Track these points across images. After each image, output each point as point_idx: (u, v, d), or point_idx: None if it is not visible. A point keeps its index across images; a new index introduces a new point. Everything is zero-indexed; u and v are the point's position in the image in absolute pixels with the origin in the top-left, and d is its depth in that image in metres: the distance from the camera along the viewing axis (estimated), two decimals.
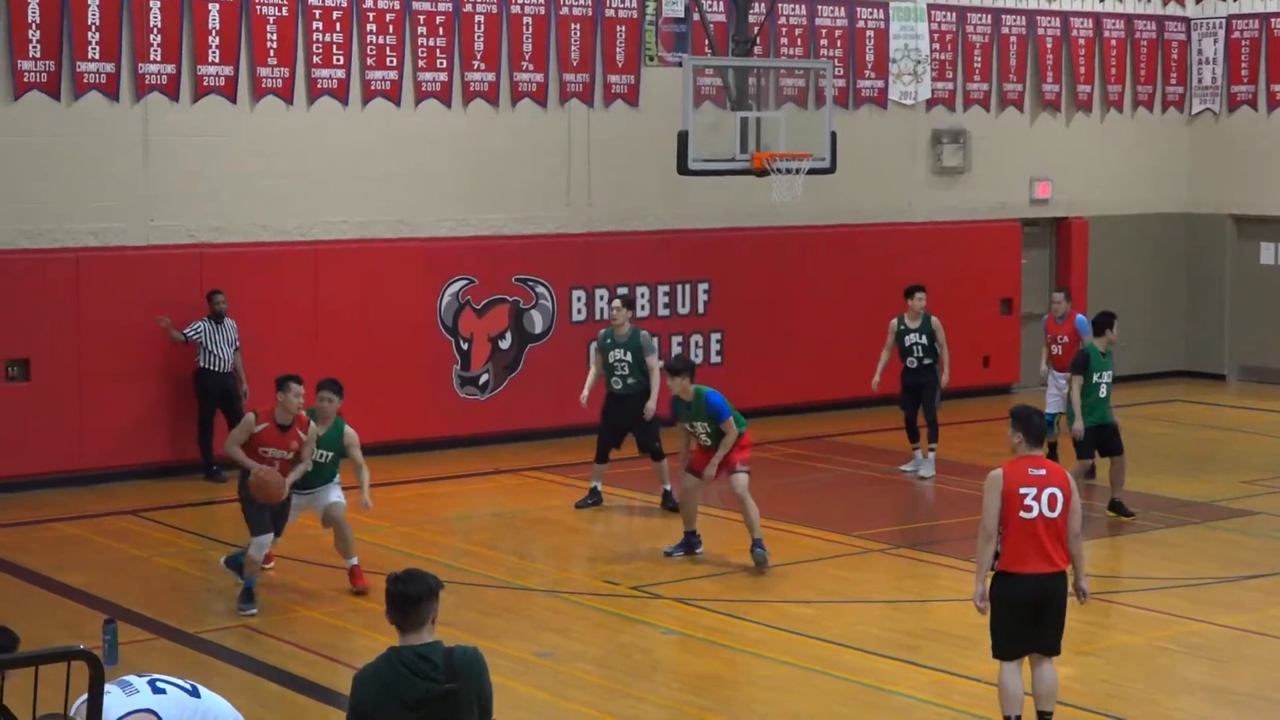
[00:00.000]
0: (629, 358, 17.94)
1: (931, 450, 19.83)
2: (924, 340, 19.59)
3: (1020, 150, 26.27)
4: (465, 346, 21.59)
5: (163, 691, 7.84)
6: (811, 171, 20.29)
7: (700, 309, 23.23)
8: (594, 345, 18.57)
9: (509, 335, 21.91)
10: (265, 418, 14.13)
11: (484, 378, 21.74)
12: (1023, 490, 10.52)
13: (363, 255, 20.91)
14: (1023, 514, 10.51)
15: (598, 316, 22.39)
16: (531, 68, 21.95)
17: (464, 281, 21.53)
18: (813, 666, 12.89)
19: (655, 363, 18.00)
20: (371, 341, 20.83)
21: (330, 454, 14.67)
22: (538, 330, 22.11)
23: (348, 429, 14.76)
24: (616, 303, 18.51)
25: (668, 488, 18.07)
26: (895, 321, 19.74)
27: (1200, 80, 27.86)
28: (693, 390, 15.64)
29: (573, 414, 22.05)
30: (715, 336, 23.21)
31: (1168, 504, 18.18)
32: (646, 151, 22.06)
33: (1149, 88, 27.53)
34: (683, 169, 19.65)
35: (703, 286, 23.20)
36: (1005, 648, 10.72)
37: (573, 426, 22.06)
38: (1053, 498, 10.55)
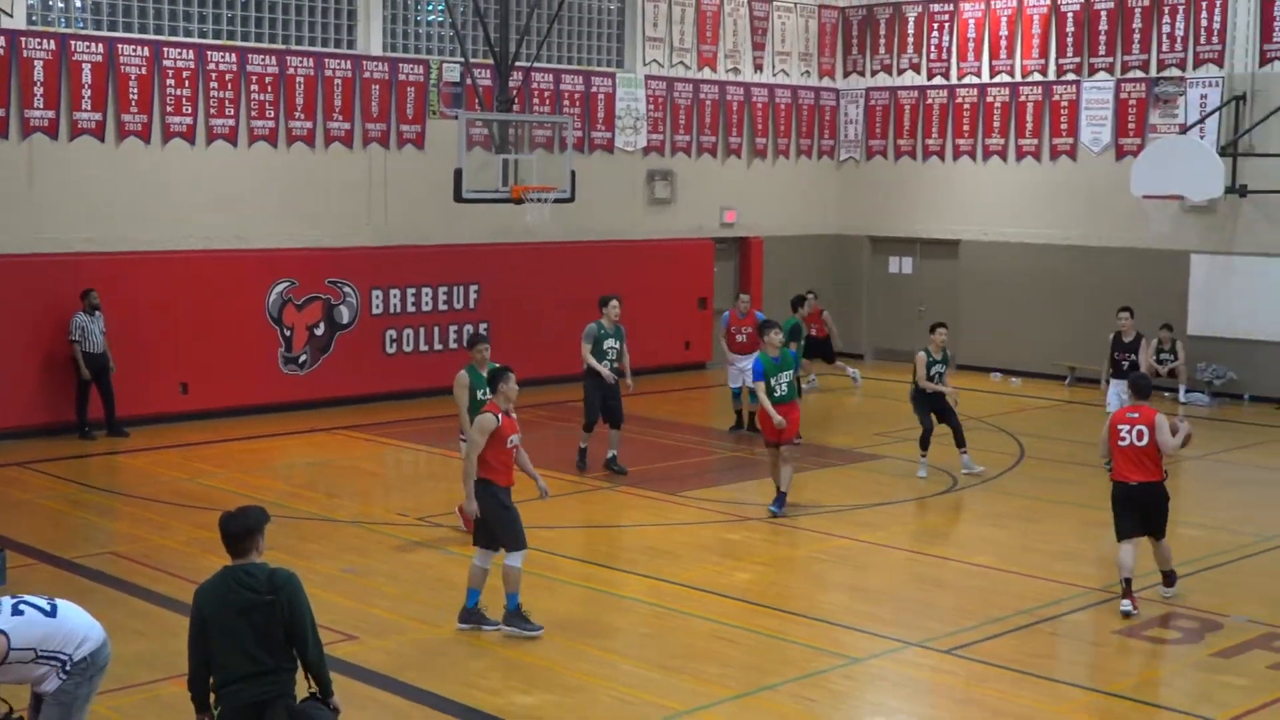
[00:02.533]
0: (618, 345, 17.25)
1: (965, 452, 17.51)
2: (943, 369, 17.37)
3: (713, 186, 26.51)
4: (288, 334, 21.17)
5: (21, 613, 7.40)
6: (557, 200, 20.34)
7: (472, 305, 23.05)
8: (587, 335, 17.10)
9: (323, 325, 21.52)
10: (495, 410, 11.21)
11: (303, 358, 21.34)
12: (1120, 427, 11.94)
13: (207, 262, 20.39)
14: (1120, 443, 11.93)
15: (392, 310, 22.13)
16: (341, 118, 21.57)
17: (287, 283, 21.10)
18: (557, 576, 12.86)
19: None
20: (214, 329, 20.35)
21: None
22: (345, 321, 21.75)
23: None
24: (615, 302, 17.29)
25: (614, 454, 17.22)
26: (923, 354, 17.20)
27: (846, 136, 28.37)
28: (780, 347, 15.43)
29: (372, 385, 21.89)
30: (483, 326, 23.02)
31: (822, 450, 18.45)
32: (430, 184, 21.83)
33: (808, 140, 27.97)
34: (458, 198, 19.52)
35: (473, 288, 23.03)
36: (1119, 530, 12.05)
37: (372, 395, 21.85)
38: (1140, 432, 11.86)
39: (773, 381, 15.33)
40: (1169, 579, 12.27)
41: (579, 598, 12.17)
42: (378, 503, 16.12)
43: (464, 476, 11.14)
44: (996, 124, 26.06)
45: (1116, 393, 18.15)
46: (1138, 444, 11.88)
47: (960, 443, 17.46)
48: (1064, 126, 25.21)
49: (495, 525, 11.13)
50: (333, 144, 21.55)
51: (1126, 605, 11.77)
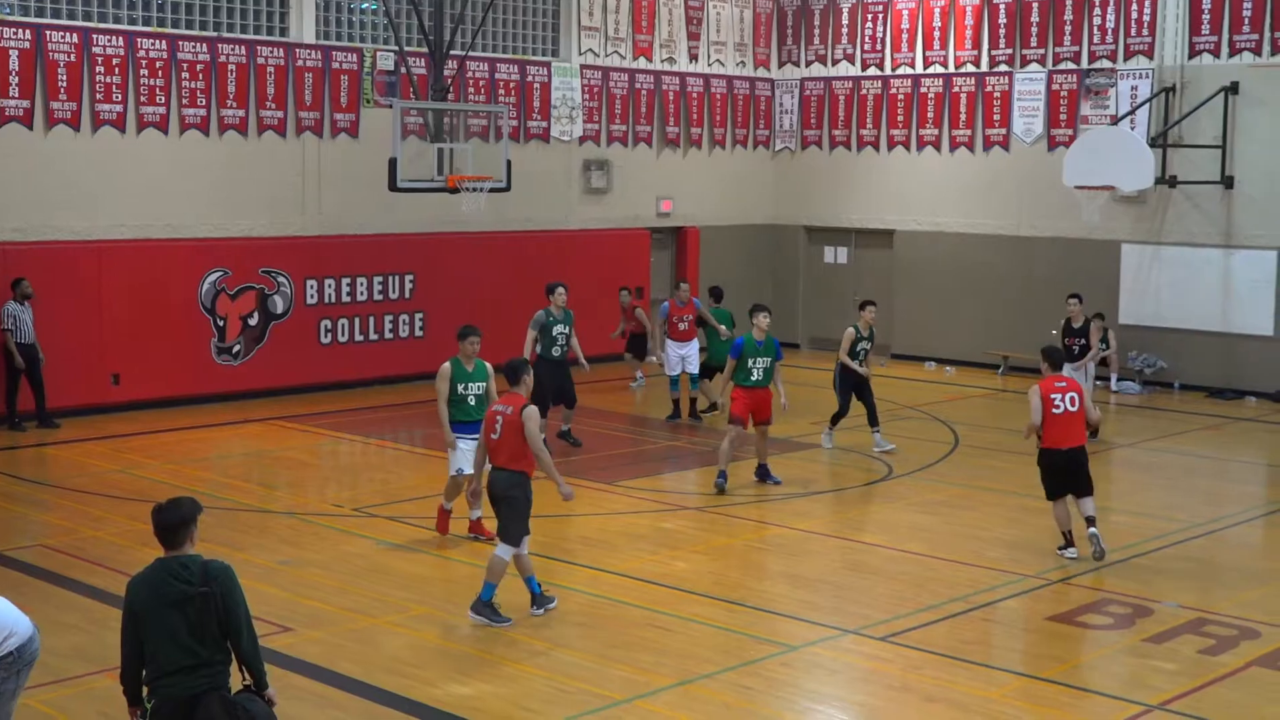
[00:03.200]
0: (567, 330, 17.46)
1: (878, 431, 18.07)
2: (869, 347, 17.97)
3: (649, 176, 26.52)
4: (221, 324, 20.99)
5: None
6: (492, 190, 20.30)
7: (407, 295, 22.94)
8: (535, 322, 17.29)
9: (256, 315, 21.35)
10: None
11: (236, 348, 21.17)
12: (1053, 396, 12.74)
13: (139, 252, 20.17)
14: (1054, 410, 12.71)
15: (327, 300, 21.98)
16: (274, 106, 21.39)
17: (220, 272, 20.92)
18: None
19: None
20: (145, 319, 20.15)
21: (484, 387, 13.19)
22: (279, 311, 21.59)
23: (488, 365, 13.37)
24: (561, 289, 17.51)
25: (568, 428, 18.02)
26: (853, 330, 17.80)
27: (781, 126, 28.46)
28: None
29: (307, 375, 21.74)
30: (418, 316, 22.97)
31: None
32: (365, 173, 21.71)
33: (744, 130, 28.03)
34: (393, 187, 19.43)
35: (409, 278, 22.91)
36: (1052, 492, 13.07)
37: (307, 385, 21.70)
38: (1072, 399, 12.78)
39: (750, 363, 15.74)
40: (1092, 521, 13.02)
41: (516, 588, 12.13)
42: (313, 494, 16.01)
43: (548, 469, 11.14)
44: (930, 114, 26.22)
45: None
46: (1071, 410, 12.81)
47: (873, 422, 18.04)
48: (997, 117, 25.40)
49: (513, 513, 11.17)
50: (265, 132, 21.38)
51: (1073, 553, 13.04)
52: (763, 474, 16.14)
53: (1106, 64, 24.08)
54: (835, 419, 18.17)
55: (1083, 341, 19.32)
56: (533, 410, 11.11)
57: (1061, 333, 19.59)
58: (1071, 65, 24.49)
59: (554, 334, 17.41)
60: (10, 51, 18.90)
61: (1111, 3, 23.98)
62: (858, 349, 17.90)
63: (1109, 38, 24.03)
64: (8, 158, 19.07)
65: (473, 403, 13.18)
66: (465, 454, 13.16)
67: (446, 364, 13.34)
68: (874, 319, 18.16)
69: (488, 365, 13.41)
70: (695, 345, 20.14)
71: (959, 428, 19.85)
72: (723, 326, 20.18)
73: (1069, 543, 13.10)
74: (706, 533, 14.26)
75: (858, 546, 13.80)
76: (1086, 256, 24.16)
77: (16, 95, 19.00)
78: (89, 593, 11.82)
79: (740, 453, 16.75)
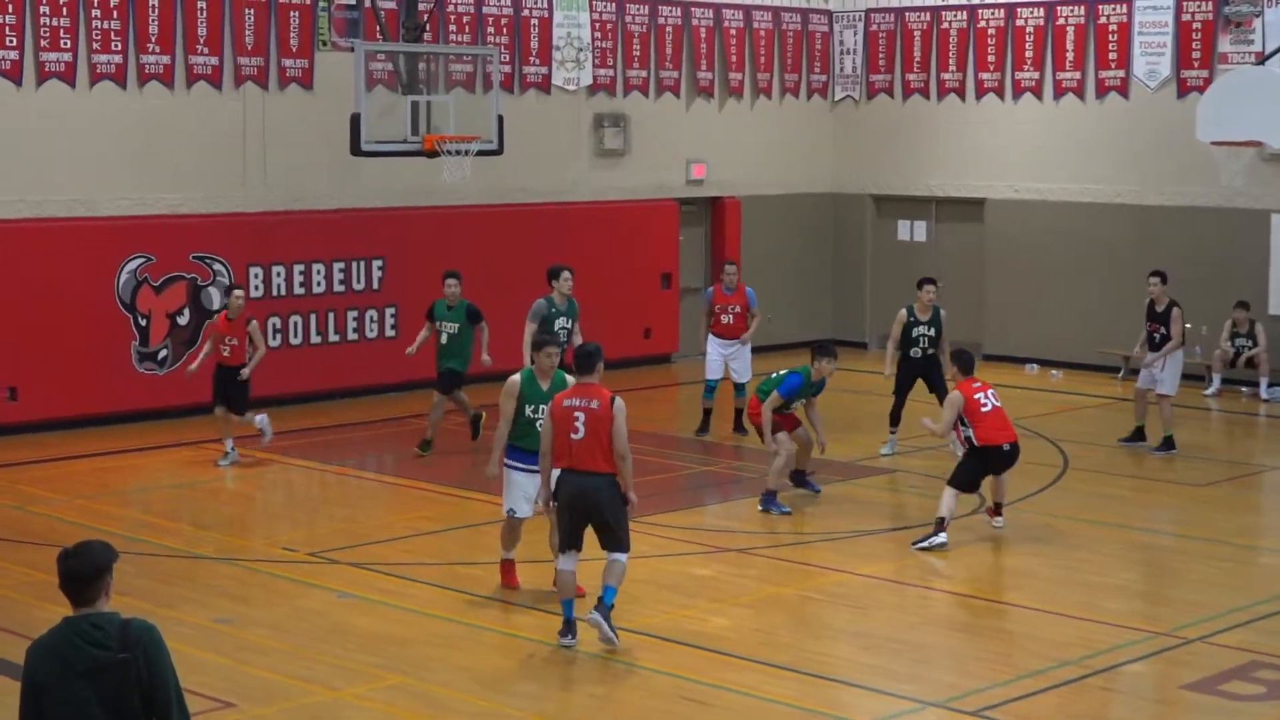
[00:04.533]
0: (569, 324, 18.09)
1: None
2: (931, 333, 18.87)
3: (677, 134, 26.54)
4: (143, 323, 21.07)
5: None
6: (480, 153, 20.37)
7: (375, 285, 23.00)
8: (534, 313, 17.96)
9: (187, 311, 21.44)
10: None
11: (162, 353, 21.25)
12: (977, 396, 14.98)
13: (39, 234, 20.24)
14: (983, 409, 14.92)
15: (275, 293, 22.05)
16: (206, 51, 21.47)
17: (142, 259, 20.99)
18: (480, 624, 12.86)
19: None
20: (48, 318, 20.19)
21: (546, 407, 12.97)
22: (215, 306, 21.63)
23: (570, 379, 12.89)
24: (566, 274, 18.20)
25: None
26: (904, 312, 18.97)
27: (842, 69, 28.46)
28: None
29: (252, 386, 21.74)
30: (390, 312, 23.02)
31: (815, 463, 18.39)
32: (321, 133, 21.79)
33: (795, 76, 28.03)
34: (356, 150, 19.52)
35: (377, 264, 22.98)
36: (966, 484, 15.29)
37: (251, 398, 21.72)
38: (994, 394, 15.14)
39: (792, 405, 16.60)
40: (999, 509, 15.52)
41: (516, 650, 12.15)
42: (258, 535, 16.05)
43: (628, 475, 12.04)
44: (1029, 53, 26.17)
45: (1151, 372, 19.51)
46: (997, 404, 15.07)
47: None
48: (1113, 56, 25.35)
49: (623, 517, 12.06)
50: (197, 83, 21.45)
51: (934, 543, 14.81)
52: (798, 479, 16.93)
53: None
54: (893, 417, 19.18)
55: (1164, 329, 19.34)
56: (623, 404, 11.96)
57: (1145, 318, 19.70)
58: None
59: (555, 328, 17.75)
60: None
61: None
62: (914, 335, 18.74)
63: None
64: None
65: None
66: (525, 490, 13.07)
67: (516, 377, 13.09)
68: (934, 298, 18.91)
69: (570, 379, 13.00)
70: (746, 347, 20.10)
71: (1068, 446, 19.80)
72: (454, 324, 19.42)
73: (939, 530, 14.84)
74: (750, 580, 14.25)
75: (942, 597, 13.78)
76: (1227, 230, 24.08)
77: None
78: None
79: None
